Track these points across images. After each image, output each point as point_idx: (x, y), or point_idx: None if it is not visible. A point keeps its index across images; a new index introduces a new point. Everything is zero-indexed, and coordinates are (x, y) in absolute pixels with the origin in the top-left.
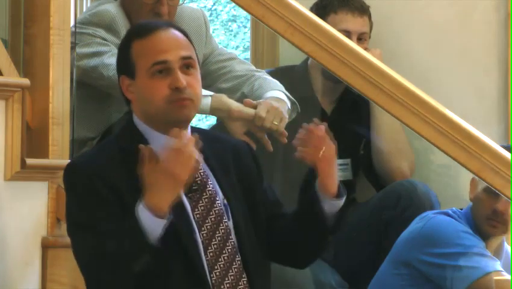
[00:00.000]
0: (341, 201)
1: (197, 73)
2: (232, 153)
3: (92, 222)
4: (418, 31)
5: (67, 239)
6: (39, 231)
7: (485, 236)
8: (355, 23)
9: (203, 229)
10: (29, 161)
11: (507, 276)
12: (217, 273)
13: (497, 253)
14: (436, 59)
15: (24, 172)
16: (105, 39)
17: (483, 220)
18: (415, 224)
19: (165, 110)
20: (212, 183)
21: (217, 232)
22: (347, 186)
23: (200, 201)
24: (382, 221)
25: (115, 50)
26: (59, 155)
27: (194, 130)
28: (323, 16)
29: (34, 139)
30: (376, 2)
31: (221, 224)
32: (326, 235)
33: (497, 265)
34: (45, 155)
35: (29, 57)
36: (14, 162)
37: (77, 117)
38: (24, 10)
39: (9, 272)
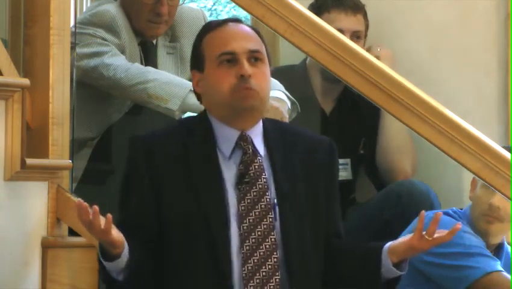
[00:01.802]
0: (398, 273)
1: (266, 68)
2: (305, 151)
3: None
4: (418, 31)
5: (67, 239)
6: (39, 231)
7: (484, 236)
8: (348, 21)
9: (244, 221)
10: (29, 161)
11: (507, 276)
12: (249, 267)
13: (498, 253)
14: (436, 59)
15: (24, 172)
16: (105, 39)
17: (480, 217)
18: (416, 224)
19: (230, 99)
20: (267, 178)
21: (259, 227)
22: (347, 186)
23: (248, 194)
24: (382, 221)
25: (115, 51)
26: (59, 155)
27: (270, 122)
28: (317, 16)
29: (34, 139)
30: (377, 2)
31: (265, 220)
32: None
33: (497, 265)
34: (45, 155)
35: (29, 57)
36: (14, 162)
37: (77, 117)
38: (24, 10)
39: (9, 272)
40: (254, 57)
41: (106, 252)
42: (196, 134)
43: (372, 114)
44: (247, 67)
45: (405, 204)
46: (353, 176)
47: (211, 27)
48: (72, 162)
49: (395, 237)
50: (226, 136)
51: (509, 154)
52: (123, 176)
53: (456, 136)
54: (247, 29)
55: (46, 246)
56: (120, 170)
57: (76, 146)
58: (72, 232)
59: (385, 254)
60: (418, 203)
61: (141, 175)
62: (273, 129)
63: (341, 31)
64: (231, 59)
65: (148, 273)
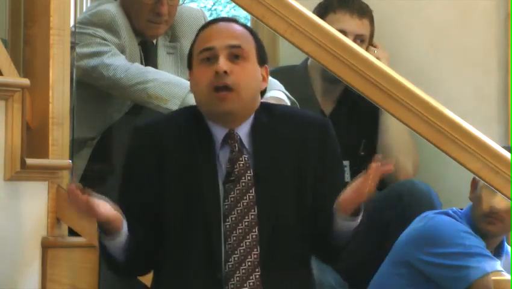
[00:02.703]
0: (352, 223)
1: (249, 66)
2: (296, 134)
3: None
4: (418, 31)
5: (67, 239)
6: (39, 231)
7: (485, 236)
8: (352, 24)
9: (227, 220)
10: (29, 161)
11: (507, 276)
12: (230, 265)
13: (498, 253)
14: (436, 59)
15: (24, 172)
16: (105, 39)
17: (481, 218)
18: (416, 224)
19: (207, 98)
20: (251, 175)
21: (240, 224)
22: (344, 187)
23: (232, 193)
24: (382, 221)
25: (115, 50)
26: (59, 155)
27: (262, 109)
28: (323, 15)
29: (34, 139)
30: (377, 2)
31: (247, 217)
32: (331, 249)
33: (498, 265)
34: (45, 155)
35: (29, 57)
36: (14, 162)
37: (77, 117)
38: (24, 10)
39: (9, 272)
40: (234, 53)
41: (106, 230)
42: (196, 124)
43: (372, 115)
44: (222, 63)
45: (406, 204)
46: (351, 178)
47: (203, 26)
48: (72, 162)
49: (395, 237)
50: (215, 134)
51: (509, 154)
52: (126, 158)
53: (456, 136)
54: (235, 26)
55: (46, 246)
56: (120, 168)
57: (76, 146)
58: (72, 232)
59: (335, 206)
60: (419, 203)
61: (147, 156)
62: (264, 118)
63: (344, 32)
64: (211, 56)
65: (151, 253)
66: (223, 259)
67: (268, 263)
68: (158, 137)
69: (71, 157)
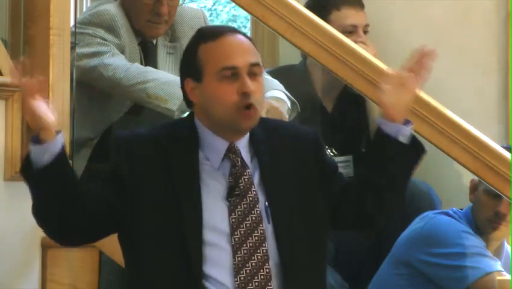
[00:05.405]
0: (405, 128)
1: (261, 80)
2: (293, 146)
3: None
4: (418, 31)
5: None
6: (39, 231)
7: (485, 237)
8: (359, 16)
9: (236, 233)
10: None
11: (507, 276)
12: (242, 278)
13: (498, 253)
14: (436, 59)
15: None
16: (105, 39)
17: (485, 222)
18: (416, 224)
19: (231, 116)
20: (256, 189)
21: (250, 238)
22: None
23: (239, 206)
24: None
25: (115, 51)
26: None
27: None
28: (324, 15)
29: None
30: (377, 2)
31: (256, 231)
32: (394, 170)
33: (498, 265)
34: None
35: (29, 57)
36: (14, 162)
37: (77, 117)
38: (24, 10)
39: (9, 272)
40: (254, 71)
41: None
42: (179, 140)
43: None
44: (250, 84)
45: (406, 204)
46: (355, 173)
47: (207, 36)
48: (72, 162)
49: (395, 237)
50: (214, 146)
51: (509, 154)
52: (111, 163)
53: (456, 136)
54: (246, 40)
55: (46, 246)
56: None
57: (76, 146)
58: None
59: (381, 117)
60: (419, 203)
61: (121, 175)
62: (259, 131)
63: (355, 26)
64: (233, 74)
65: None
66: (232, 271)
67: (282, 275)
68: (134, 156)
69: (71, 157)
